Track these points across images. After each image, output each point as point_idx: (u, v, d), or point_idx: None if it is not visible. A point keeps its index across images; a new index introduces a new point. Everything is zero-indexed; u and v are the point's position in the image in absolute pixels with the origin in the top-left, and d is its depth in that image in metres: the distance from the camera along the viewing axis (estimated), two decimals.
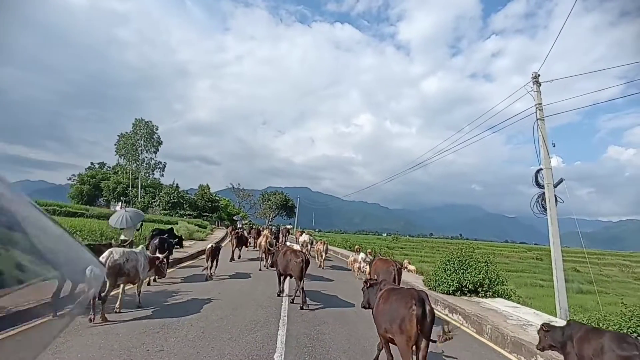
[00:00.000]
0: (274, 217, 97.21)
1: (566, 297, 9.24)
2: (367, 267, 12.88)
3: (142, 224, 12.80)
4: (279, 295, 9.48)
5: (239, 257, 17.50)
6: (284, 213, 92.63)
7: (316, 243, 19.09)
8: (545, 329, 4.96)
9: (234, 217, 47.82)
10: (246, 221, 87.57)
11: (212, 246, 12.09)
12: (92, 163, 64.84)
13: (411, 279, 13.94)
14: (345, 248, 30.69)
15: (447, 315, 9.01)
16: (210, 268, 11.67)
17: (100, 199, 58.02)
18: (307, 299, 8.57)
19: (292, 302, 8.78)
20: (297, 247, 13.45)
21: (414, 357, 4.08)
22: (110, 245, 8.11)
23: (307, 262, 9.33)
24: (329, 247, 23.24)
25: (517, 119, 10.79)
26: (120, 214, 10.70)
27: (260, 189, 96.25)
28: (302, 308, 8.32)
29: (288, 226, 79.90)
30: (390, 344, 4.57)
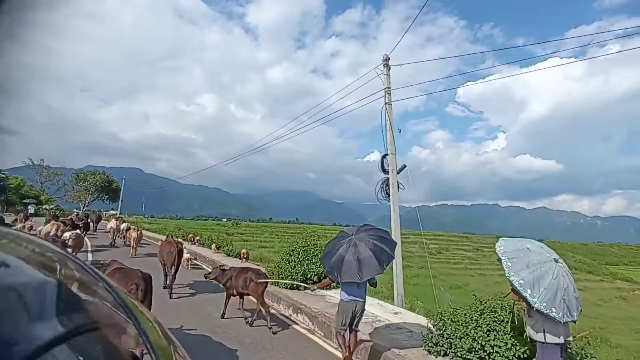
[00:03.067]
0: (92, 201, 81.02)
1: (403, 284, 9.33)
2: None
3: None
4: None
5: None
6: (106, 197, 78.18)
7: (131, 230, 16.15)
8: (221, 268, 7.53)
9: (25, 201, 36.82)
10: (52, 206, 70.04)
11: None
12: None
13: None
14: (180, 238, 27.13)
15: (291, 316, 7.82)
16: None
17: None
18: None
19: None
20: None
21: None
22: None
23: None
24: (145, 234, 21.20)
25: (366, 102, 10.45)
26: None
27: (77, 167, 78.23)
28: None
29: (112, 212, 67.80)
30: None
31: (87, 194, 78.27)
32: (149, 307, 4.78)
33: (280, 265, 9.92)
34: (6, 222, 17.13)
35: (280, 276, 9.54)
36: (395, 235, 9.51)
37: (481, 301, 5.05)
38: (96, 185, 76.09)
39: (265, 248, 32.17)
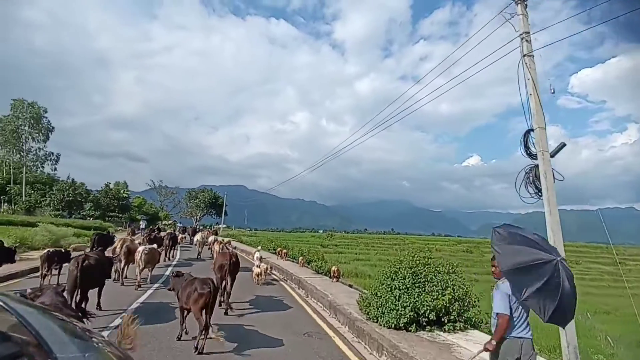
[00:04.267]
0: (203, 216, 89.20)
1: (575, 328, 5.85)
2: (263, 265, 12.66)
3: None
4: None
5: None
6: (214, 212, 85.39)
7: (215, 243, 15.31)
8: (175, 275, 6.52)
9: (138, 217, 40.75)
10: (170, 222, 78.76)
11: (49, 251, 9.62)
12: None
13: (336, 290, 10.09)
14: (268, 250, 26.31)
15: None
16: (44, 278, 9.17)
17: None
18: None
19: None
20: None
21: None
22: None
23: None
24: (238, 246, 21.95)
25: (499, 56, 7.29)
26: None
27: (192, 187, 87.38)
28: None
29: (221, 226, 72.51)
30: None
31: (198, 210, 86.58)
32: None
33: (379, 293, 7.27)
34: (113, 235, 17.86)
35: (380, 309, 6.90)
36: (559, 247, 6.10)
37: None
38: (205, 201, 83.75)
39: (361, 261, 29.75)
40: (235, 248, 27.54)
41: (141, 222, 30.70)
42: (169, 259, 16.64)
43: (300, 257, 16.65)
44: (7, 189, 44.81)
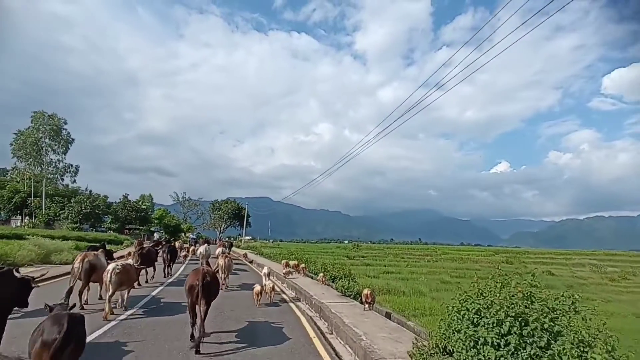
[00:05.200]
0: (226, 227, 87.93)
1: None
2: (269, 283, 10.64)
3: None
4: None
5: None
6: (237, 223, 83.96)
7: (220, 257, 12.68)
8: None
9: (152, 229, 38.96)
10: (194, 234, 77.67)
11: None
12: None
13: (371, 325, 6.97)
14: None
15: None
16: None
17: None
18: None
19: None
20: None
21: None
22: None
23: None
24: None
25: None
26: None
27: (219, 200, 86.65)
28: None
29: (243, 237, 70.54)
30: None
31: (222, 222, 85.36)
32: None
33: (449, 346, 4.22)
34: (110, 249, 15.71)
35: None
36: None
37: None
38: (229, 213, 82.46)
39: (391, 274, 26.51)
40: (252, 262, 25.00)
41: (155, 234, 28.69)
42: (169, 275, 14.26)
43: (321, 274, 13.75)
44: (28, 202, 44.40)
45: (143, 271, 11.88)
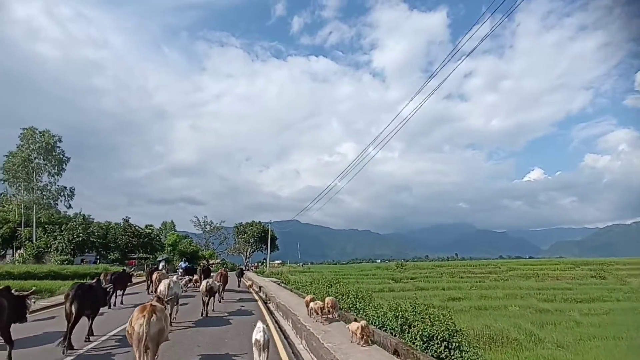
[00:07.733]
0: (252, 252, 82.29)
1: None
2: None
3: None
4: None
5: None
6: (264, 247, 78.16)
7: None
8: None
9: (159, 258, 33.52)
10: (218, 260, 72.33)
11: None
12: None
13: None
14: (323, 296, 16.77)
15: None
16: None
17: None
18: None
19: None
20: None
21: None
22: None
23: None
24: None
25: None
26: None
27: (243, 222, 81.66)
28: None
29: (273, 262, 64.12)
30: None
31: (247, 245, 79.60)
32: None
33: None
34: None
35: None
36: None
37: None
38: (254, 236, 76.62)
39: (458, 301, 19.81)
40: (269, 299, 17.65)
41: (161, 263, 23.26)
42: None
43: (357, 324, 7.26)
44: (17, 233, 39.67)
45: None
